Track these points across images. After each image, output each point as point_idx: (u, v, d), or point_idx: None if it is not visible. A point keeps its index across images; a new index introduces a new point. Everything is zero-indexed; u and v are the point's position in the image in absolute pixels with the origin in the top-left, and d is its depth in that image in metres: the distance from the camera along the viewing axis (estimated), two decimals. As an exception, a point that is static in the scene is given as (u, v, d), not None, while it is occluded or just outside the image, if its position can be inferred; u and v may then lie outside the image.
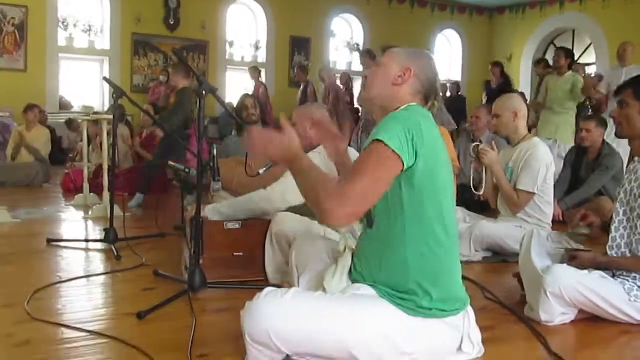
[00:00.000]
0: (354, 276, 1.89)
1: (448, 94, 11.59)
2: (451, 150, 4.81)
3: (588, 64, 13.46)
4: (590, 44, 13.04)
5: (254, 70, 10.05)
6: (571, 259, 2.58)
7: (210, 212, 3.04)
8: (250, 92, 8.06)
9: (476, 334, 1.88)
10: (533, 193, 3.55)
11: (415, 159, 1.68)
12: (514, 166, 3.63)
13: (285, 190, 2.95)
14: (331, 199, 1.59)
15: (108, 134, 5.09)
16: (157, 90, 10.11)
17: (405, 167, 1.67)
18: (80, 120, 6.85)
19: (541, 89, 7.10)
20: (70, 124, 10.19)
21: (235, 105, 5.01)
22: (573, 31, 13.68)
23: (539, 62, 8.51)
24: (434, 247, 1.76)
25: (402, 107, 1.83)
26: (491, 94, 9.38)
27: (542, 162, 3.54)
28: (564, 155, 5.89)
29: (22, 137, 7.19)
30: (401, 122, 1.69)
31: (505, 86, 9.32)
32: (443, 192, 1.76)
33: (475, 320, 1.89)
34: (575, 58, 13.66)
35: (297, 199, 2.97)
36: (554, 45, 14.09)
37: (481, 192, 3.80)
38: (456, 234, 1.85)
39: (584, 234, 2.65)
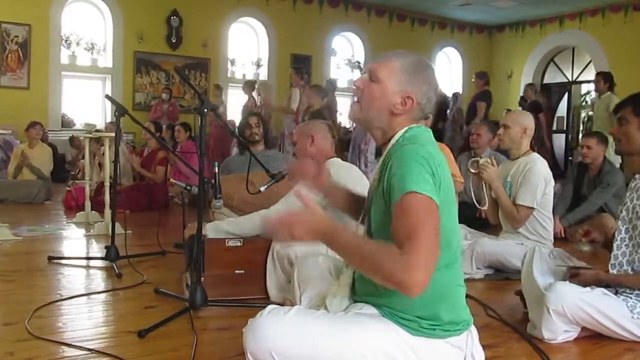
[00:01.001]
0: (355, 297, 1.88)
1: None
2: (455, 166, 4.81)
3: (588, 81, 13.53)
4: (590, 62, 13.11)
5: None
6: (573, 276, 2.58)
7: (210, 230, 3.04)
8: (254, 111, 8.16)
9: (480, 354, 1.87)
10: (533, 208, 3.55)
11: (439, 191, 1.64)
12: (512, 181, 3.64)
13: (287, 209, 2.94)
14: (401, 273, 1.50)
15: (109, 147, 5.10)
16: (159, 108, 10.18)
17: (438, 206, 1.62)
18: (82, 138, 6.88)
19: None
20: (72, 141, 10.24)
21: (238, 123, 5.03)
22: (573, 49, 13.76)
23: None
24: (439, 269, 1.74)
25: (404, 130, 1.77)
26: None
27: (540, 177, 3.55)
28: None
29: (25, 156, 7.21)
30: (421, 161, 1.62)
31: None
32: (449, 213, 1.74)
33: (478, 340, 1.88)
34: (575, 76, 13.83)
35: None
36: (555, 63, 14.18)
37: (485, 207, 3.79)
38: (460, 254, 1.84)
39: (586, 251, 2.65)
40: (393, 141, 1.78)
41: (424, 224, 1.55)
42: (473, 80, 9.53)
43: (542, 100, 10.87)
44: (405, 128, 1.78)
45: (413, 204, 1.57)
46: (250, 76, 12.13)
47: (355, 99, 1.83)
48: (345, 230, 1.63)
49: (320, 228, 1.62)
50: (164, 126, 8.24)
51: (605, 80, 7.16)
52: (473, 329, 1.86)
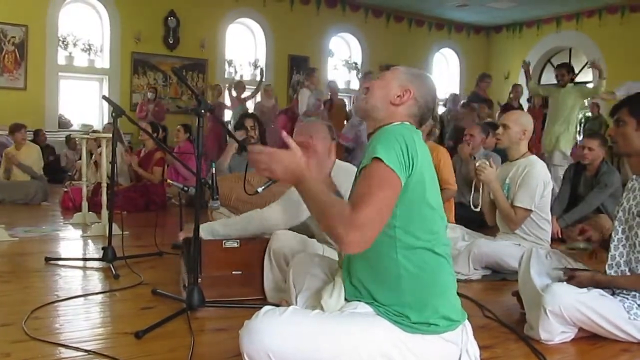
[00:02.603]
0: (347, 293, 1.88)
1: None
2: (450, 173, 4.80)
3: (585, 83, 13.55)
4: (587, 63, 13.13)
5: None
6: (570, 278, 2.58)
7: (204, 231, 3.03)
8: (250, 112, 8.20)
9: (474, 348, 1.88)
10: (530, 210, 3.55)
11: (410, 174, 1.70)
12: (511, 183, 3.64)
13: (283, 210, 2.94)
14: (341, 227, 1.60)
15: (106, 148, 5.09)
16: (144, 107, 10.05)
17: (402, 185, 1.68)
18: (79, 139, 6.86)
19: (537, 97, 7.43)
20: (68, 142, 10.22)
21: (234, 125, 5.03)
22: (570, 50, 13.79)
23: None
24: (426, 255, 1.76)
25: (396, 124, 1.85)
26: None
27: (539, 179, 3.55)
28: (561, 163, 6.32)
29: (12, 157, 7.16)
30: (397, 137, 1.71)
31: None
32: (431, 200, 1.78)
33: (473, 335, 1.89)
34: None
35: (295, 219, 2.97)
36: (551, 63, 14.20)
37: (478, 209, 3.81)
38: (449, 248, 1.86)
39: (583, 249, 2.65)
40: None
41: (377, 191, 1.64)
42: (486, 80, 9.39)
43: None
44: (398, 122, 1.86)
45: (375, 170, 1.67)
46: (247, 77, 12.14)
47: (363, 96, 1.97)
48: (316, 181, 1.71)
49: (296, 172, 1.70)
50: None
51: (568, 71, 7.25)
52: (467, 323, 1.87)
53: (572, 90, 7.03)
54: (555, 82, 7.33)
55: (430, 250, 1.77)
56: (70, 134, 10.18)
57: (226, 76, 11.84)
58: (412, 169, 1.70)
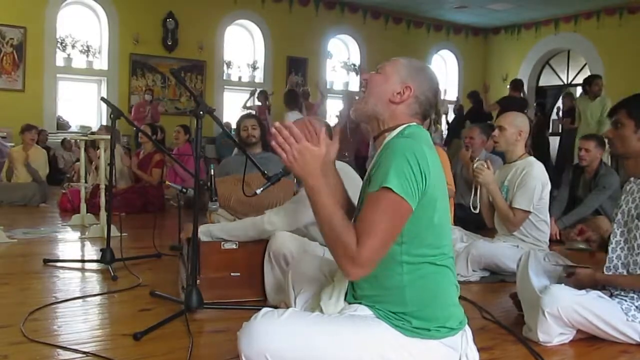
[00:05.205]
0: (348, 298, 1.88)
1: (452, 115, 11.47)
2: (448, 173, 4.80)
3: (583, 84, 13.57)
4: (585, 65, 13.14)
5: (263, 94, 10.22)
6: (569, 275, 2.58)
7: (202, 234, 3.03)
8: (253, 112, 8.16)
9: (474, 354, 1.87)
10: (529, 212, 3.55)
11: (423, 194, 1.67)
12: (509, 185, 3.64)
13: (281, 221, 2.92)
14: (346, 259, 1.63)
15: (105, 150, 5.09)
16: (142, 109, 10.05)
17: (413, 209, 1.66)
18: (76, 141, 6.85)
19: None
20: (64, 143, 10.20)
21: (234, 126, 5.03)
22: (568, 52, 13.80)
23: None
24: (431, 268, 1.75)
25: (402, 127, 1.80)
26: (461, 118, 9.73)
27: (537, 181, 3.55)
28: None
29: (18, 157, 7.16)
30: (408, 158, 1.64)
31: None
32: (441, 215, 1.76)
33: (472, 340, 1.88)
34: (570, 79, 13.86)
35: (294, 225, 2.96)
36: (550, 65, 14.22)
37: (476, 211, 3.81)
38: (452, 254, 1.85)
39: (582, 249, 2.65)
40: (390, 137, 1.80)
41: (385, 224, 1.62)
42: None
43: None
44: (404, 125, 1.81)
45: (384, 200, 1.63)
46: (245, 79, 12.15)
47: (362, 93, 1.91)
48: (328, 195, 1.67)
49: (310, 176, 1.66)
50: (141, 127, 8.15)
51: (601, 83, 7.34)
52: (467, 328, 1.86)
53: (601, 102, 7.03)
54: (594, 93, 7.33)
55: (434, 263, 1.76)
56: (68, 136, 10.17)
57: (225, 78, 11.84)
58: (424, 189, 1.66)
